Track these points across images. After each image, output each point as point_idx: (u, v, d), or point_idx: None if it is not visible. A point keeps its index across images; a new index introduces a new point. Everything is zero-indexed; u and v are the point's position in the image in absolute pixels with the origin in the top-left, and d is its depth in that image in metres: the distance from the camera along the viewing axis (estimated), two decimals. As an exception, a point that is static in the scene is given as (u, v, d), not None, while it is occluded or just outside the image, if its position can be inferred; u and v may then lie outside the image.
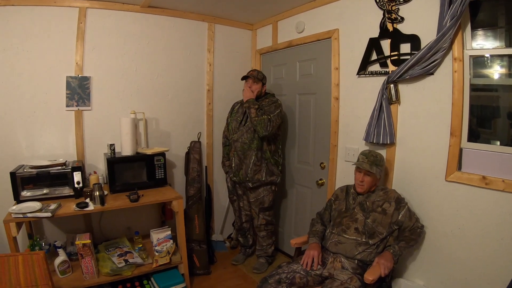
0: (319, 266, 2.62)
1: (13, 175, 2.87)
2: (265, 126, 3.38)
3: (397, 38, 2.72)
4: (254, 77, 3.57)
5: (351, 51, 3.14)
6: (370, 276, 2.30)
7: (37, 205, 2.77)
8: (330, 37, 3.32)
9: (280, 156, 3.79)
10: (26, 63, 3.20)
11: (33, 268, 2.20)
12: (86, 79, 3.44)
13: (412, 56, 2.51)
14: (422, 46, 2.51)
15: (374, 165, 2.60)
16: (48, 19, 3.24)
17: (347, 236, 2.61)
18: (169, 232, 3.44)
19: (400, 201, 2.56)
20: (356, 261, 2.53)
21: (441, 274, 2.60)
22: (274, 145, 3.67)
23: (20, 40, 3.15)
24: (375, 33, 2.88)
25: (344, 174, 3.28)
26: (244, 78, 3.64)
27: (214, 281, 3.67)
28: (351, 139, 3.20)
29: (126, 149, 3.40)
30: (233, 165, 3.70)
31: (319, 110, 3.58)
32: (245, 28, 4.42)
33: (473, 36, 2.34)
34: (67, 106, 3.40)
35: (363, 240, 2.54)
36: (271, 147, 3.62)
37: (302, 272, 2.58)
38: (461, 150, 2.42)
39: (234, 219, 4.27)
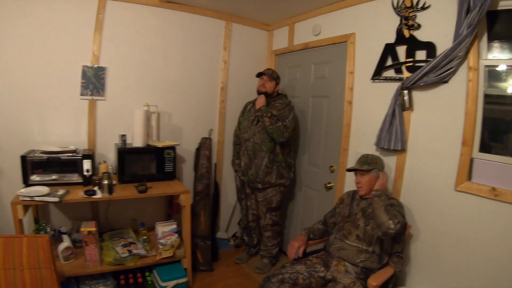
0: (322, 268, 2.61)
1: (23, 158, 2.91)
2: (281, 133, 3.41)
3: (413, 44, 2.71)
4: (269, 75, 3.59)
5: (366, 56, 3.13)
6: (373, 282, 2.30)
7: (45, 189, 2.80)
8: (346, 41, 3.31)
9: (293, 158, 3.79)
10: (43, 50, 3.23)
11: (37, 251, 2.22)
12: (101, 69, 3.48)
13: (427, 63, 2.50)
14: (437, 54, 2.49)
15: (365, 164, 2.67)
16: (67, 8, 3.27)
17: (349, 243, 2.60)
18: (175, 226, 3.46)
19: (391, 204, 2.51)
20: (360, 267, 2.52)
21: (444, 284, 2.56)
22: (287, 147, 3.68)
23: (38, 28, 3.19)
24: (391, 39, 2.87)
25: (353, 179, 3.23)
26: (259, 75, 3.65)
27: (216, 278, 3.67)
28: (362, 143, 3.18)
29: (137, 141, 3.42)
30: (242, 164, 3.72)
31: (331, 113, 3.57)
32: (262, 28, 4.43)
33: (489, 48, 2.32)
34: (81, 94, 3.43)
35: (364, 247, 2.54)
36: (284, 149, 3.63)
37: (305, 274, 2.57)
38: (472, 160, 2.39)
39: (240, 218, 4.29)
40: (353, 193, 2.85)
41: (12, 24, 3.10)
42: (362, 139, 3.21)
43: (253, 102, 3.78)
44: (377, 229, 2.40)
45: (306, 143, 3.95)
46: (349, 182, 3.28)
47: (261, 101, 3.56)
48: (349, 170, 2.80)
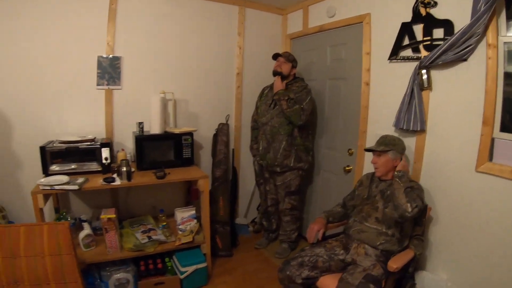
0: (342, 251, 2.60)
1: (42, 149, 2.96)
2: (299, 116, 3.39)
3: (430, 22, 2.63)
4: (286, 57, 3.57)
5: (382, 36, 3.06)
6: (394, 264, 2.29)
7: (64, 178, 2.85)
8: (362, 22, 3.25)
9: (311, 141, 3.77)
10: (58, 42, 3.27)
11: (58, 238, 2.26)
12: (117, 59, 3.50)
13: (445, 41, 2.42)
14: (455, 31, 2.41)
15: (382, 145, 2.62)
16: (79, 1, 3.30)
17: (368, 225, 2.59)
18: (194, 212, 3.49)
19: (411, 187, 2.46)
20: (380, 249, 2.49)
21: (465, 269, 2.52)
22: (305, 131, 3.65)
23: (53, 20, 3.22)
24: (408, 18, 2.79)
25: (372, 161, 3.23)
26: (275, 56, 3.62)
27: (235, 263, 3.71)
28: (380, 125, 3.13)
29: (154, 128, 3.44)
30: (261, 148, 3.71)
31: (348, 95, 3.52)
32: (276, 12, 4.38)
33: (508, 27, 2.23)
34: (97, 84, 3.47)
35: (383, 230, 2.51)
36: (302, 133, 3.61)
37: (325, 257, 2.57)
38: (493, 140, 2.33)
39: (258, 203, 4.29)
40: (372, 175, 2.82)
41: (27, 17, 3.13)
42: (380, 120, 3.15)
43: (270, 86, 3.77)
44: (394, 211, 2.39)
45: (323, 126, 3.91)
46: (368, 165, 3.21)
47: (278, 84, 3.54)
48: (366, 150, 2.77)
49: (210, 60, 4.02)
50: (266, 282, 3.40)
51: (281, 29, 4.47)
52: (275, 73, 3.59)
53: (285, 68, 3.56)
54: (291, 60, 3.60)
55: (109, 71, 3.48)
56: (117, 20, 3.46)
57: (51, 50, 3.25)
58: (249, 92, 4.26)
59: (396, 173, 2.50)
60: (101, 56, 3.45)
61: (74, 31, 3.32)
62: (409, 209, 2.27)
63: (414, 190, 2.43)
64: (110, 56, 3.47)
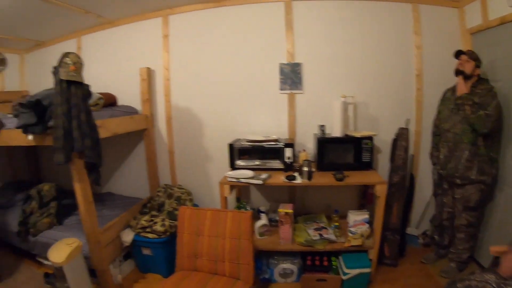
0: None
1: (231, 146, 3.48)
2: (484, 123, 3.13)
3: None
4: (468, 54, 3.30)
5: None
6: None
7: (250, 173, 3.26)
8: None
9: (497, 152, 3.43)
10: (243, 53, 3.85)
11: (239, 224, 2.62)
12: (297, 65, 3.81)
13: None
14: None
15: None
16: (258, 14, 3.80)
17: None
18: (367, 216, 3.49)
19: None
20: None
21: None
22: (490, 139, 3.34)
23: (236, 34, 3.84)
24: None
25: None
26: (457, 54, 3.37)
27: (398, 274, 3.62)
28: None
29: (335, 131, 3.58)
30: (441, 156, 3.53)
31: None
32: (451, 6, 4.01)
33: None
34: (280, 89, 3.85)
35: None
36: (487, 142, 3.31)
37: (494, 285, 2.33)
38: None
39: (432, 214, 4.10)
40: None
41: (219, 32, 3.88)
42: None
43: (452, 89, 3.53)
44: None
45: (510, 134, 3.44)
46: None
47: (462, 87, 3.30)
48: None
49: (388, 62, 3.97)
50: (425, 299, 3.26)
51: (458, 24, 4.08)
52: (457, 72, 3.36)
53: (468, 67, 3.28)
54: (474, 58, 3.30)
55: (291, 76, 3.81)
56: (294, 29, 3.79)
57: (238, 60, 3.86)
58: (430, 94, 4.02)
59: None
60: (283, 63, 3.82)
61: (256, 42, 3.84)
62: None
63: None
64: (291, 62, 3.81)
